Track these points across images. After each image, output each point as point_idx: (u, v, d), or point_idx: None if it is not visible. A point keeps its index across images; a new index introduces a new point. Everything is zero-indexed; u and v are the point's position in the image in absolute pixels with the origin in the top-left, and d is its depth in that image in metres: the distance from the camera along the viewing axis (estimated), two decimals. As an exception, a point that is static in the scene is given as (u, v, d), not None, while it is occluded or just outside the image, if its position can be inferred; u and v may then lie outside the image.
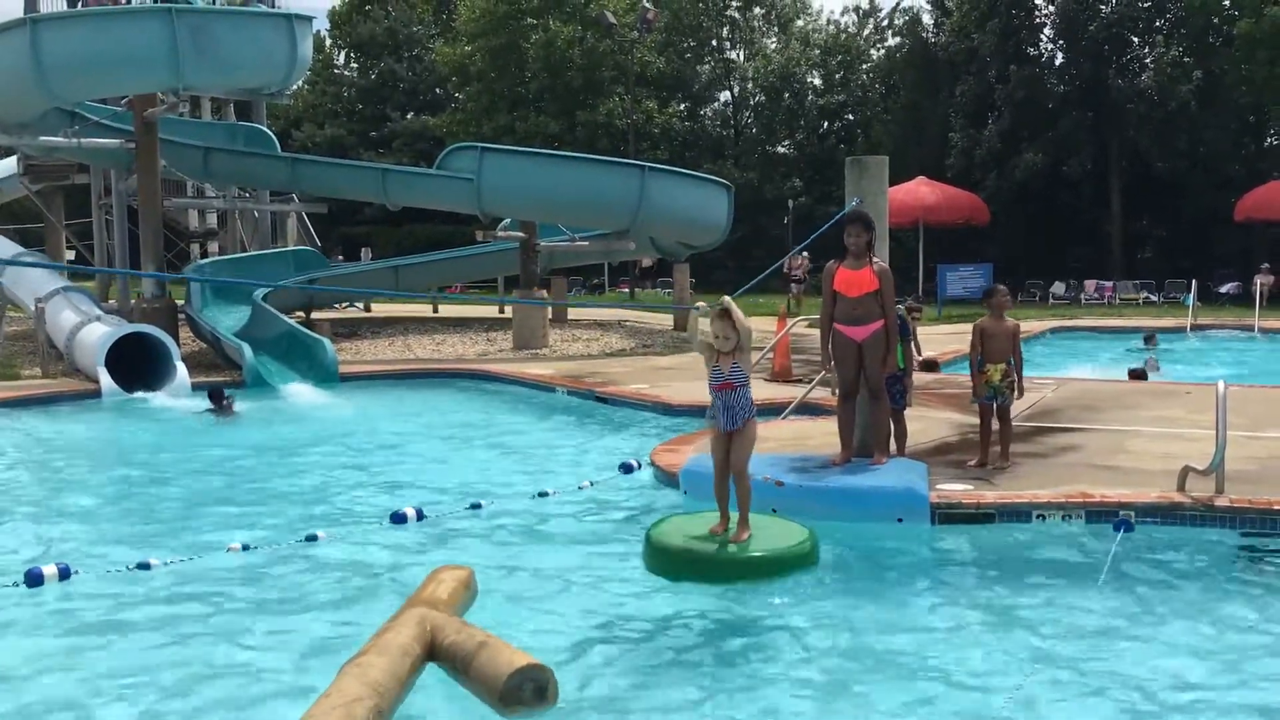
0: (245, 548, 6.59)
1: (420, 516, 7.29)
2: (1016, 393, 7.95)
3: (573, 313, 25.53)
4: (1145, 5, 34.96)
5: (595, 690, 4.59)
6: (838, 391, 7.84)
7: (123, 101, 18.99)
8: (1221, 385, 6.97)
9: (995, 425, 7.95)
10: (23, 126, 17.00)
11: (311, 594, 5.93)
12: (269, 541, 6.79)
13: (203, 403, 12.48)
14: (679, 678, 4.72)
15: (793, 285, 27.90)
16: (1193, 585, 5.75)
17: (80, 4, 21.06)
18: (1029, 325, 21.43)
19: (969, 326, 8.64)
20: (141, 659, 5.00)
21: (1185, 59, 33.54)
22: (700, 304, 6.28)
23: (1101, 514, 6.70)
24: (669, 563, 6.02)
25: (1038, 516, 6.79)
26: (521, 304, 18.94)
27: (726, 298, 6.10)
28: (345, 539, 6.93)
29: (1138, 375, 14.05)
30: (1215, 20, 34.30)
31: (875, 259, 7.59)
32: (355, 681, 3.95)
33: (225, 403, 12.18)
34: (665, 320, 24.15)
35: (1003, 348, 7.90)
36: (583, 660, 4.90)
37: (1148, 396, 11.52)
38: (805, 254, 26.93)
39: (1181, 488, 6.84)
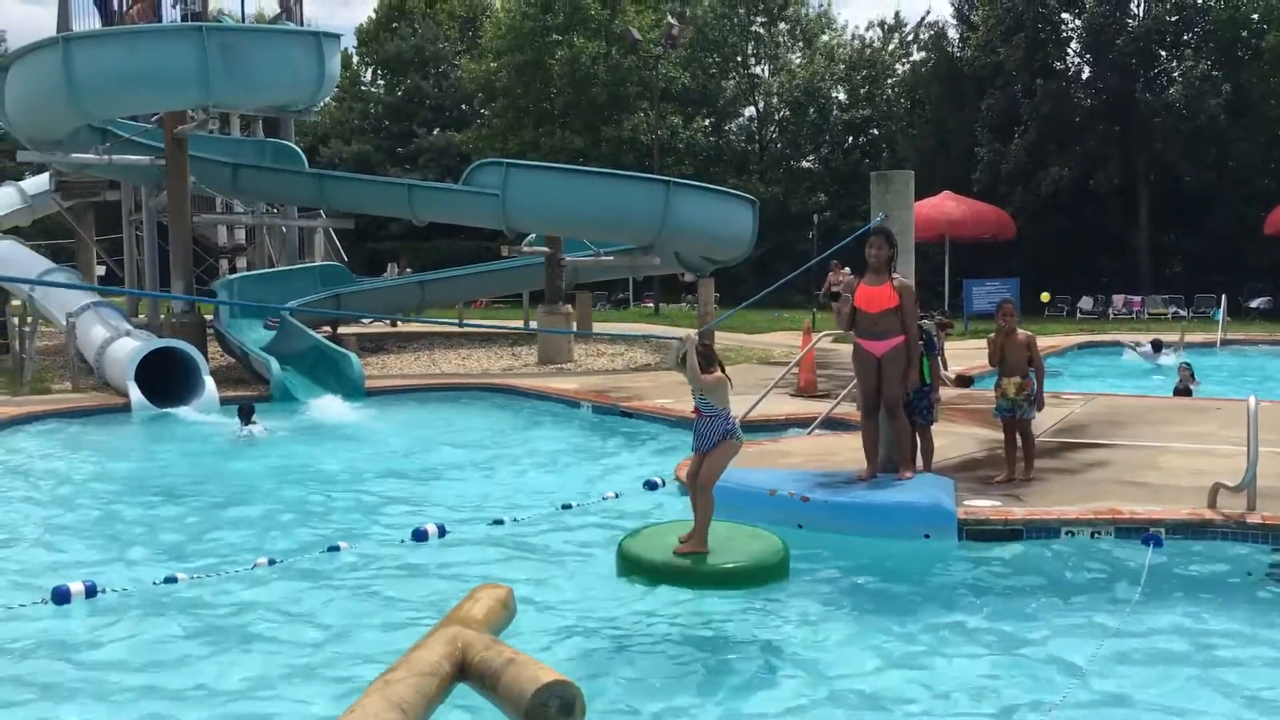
0: (271, 562, 6.63)
1: (442, 533, 7.29)
2: (1037, 405, 7.87)
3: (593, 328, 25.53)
4: (1173, 19, 34.73)
5: (617, 704, 4.57)
6: (860, 406, 7.79)
7: (153, 119, 19.22)
8: (1253, 400, 6.87)
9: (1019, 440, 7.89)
10: (55, 144, 17.22)
11: (335, 610, 5.93)
12: (292, 554, 6.82)
13: (234, 421, 12.50)
14: (701, 691, 4.70)
15: (834, 305, 25.84)
16: (1225, 603, 5.67)
17: (114, 23, 21.35)
18: (1056, 340, 21.28)
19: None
20: (166, 675, 5.02)
21: (1214, 72, 33.25)
22: (690, 334, 6.49)
23: (1131, 531, 6.62)
24: (633, 570, 6.20)
25: (1067, 533, 6.71)
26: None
27: (690, 340, 6.26)
28: (368, 553, 6.95)
29: (1182, 394, 13.62)
30: (1244, 34, 34.04)
31: (896, 275, 7.53)
32: (380, 698, 3.94)
33: (252, 423, 12.15)
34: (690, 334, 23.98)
35: (1016, 360, 7.83)
36: (604, 672, 4.88)
37: (1177, 412, 11.39)
38: (847, 267, 25.09)
39: (1213, 505, 6.76)
